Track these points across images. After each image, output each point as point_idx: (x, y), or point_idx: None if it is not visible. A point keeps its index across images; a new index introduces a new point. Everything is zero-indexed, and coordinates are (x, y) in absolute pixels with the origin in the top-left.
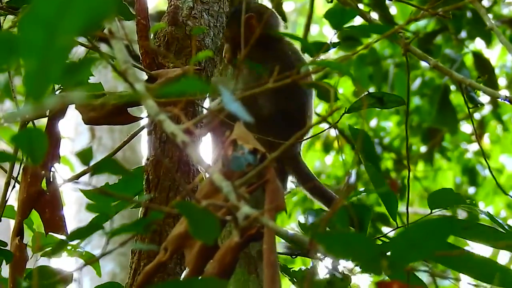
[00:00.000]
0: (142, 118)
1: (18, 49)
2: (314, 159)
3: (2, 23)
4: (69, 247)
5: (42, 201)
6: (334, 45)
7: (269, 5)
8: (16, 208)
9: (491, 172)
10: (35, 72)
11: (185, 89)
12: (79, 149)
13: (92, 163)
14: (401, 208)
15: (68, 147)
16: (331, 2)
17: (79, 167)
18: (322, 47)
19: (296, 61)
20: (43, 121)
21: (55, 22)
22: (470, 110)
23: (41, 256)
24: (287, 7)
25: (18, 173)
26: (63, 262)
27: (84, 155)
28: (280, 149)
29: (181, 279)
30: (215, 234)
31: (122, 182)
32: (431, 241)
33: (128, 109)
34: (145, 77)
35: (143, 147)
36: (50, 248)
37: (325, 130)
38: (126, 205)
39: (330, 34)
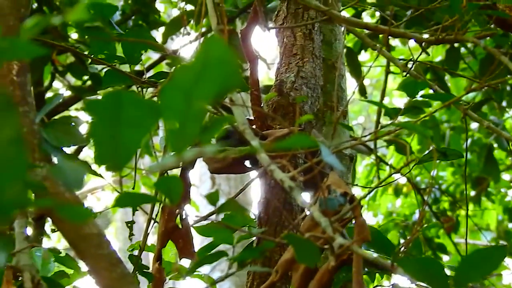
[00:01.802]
0: (256, 168)
1: (160, 113)
2: (387, 201)
3: (144, 94)
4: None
5: (177, 233)
6: (407, 110)
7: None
8: (155, 241)
9: None
10: (176, 131)
11: (294, 145)
12: (205, 193)
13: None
14: (455, 239)
15: (195, 193)
16: (405, 76)
17: (203, 208)
18: (398, 112)
19: None
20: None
21: (191, 90)
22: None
23: (169, 279)
24: (366, 82)
25: (157, 213)
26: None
27: (212, 197)
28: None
29: None
30: (316, 259)
31: (235, 218)
32: (487, 265)
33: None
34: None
35: (252, 192)
36: (178, 272)
37: (397, 179)
38: (246, 236)
39: (397, 105)
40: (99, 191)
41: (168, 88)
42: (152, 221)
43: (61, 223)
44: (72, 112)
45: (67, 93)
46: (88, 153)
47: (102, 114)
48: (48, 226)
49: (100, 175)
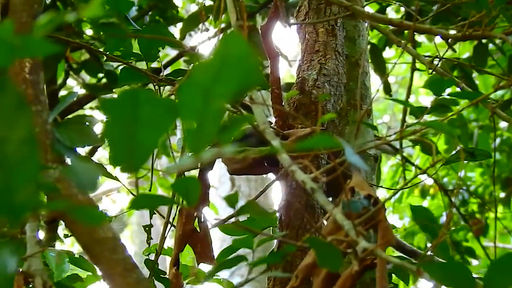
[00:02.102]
0: (277, 169)
1: (178, 112)
2: (413, 203)
3: (161, 92)
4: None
5: (195, 237)
6: (433, 109)
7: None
8: (172, 245)
9: None
10: (194, 131)
11: (316, 145)
12: (224, 195)
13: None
14: (484, 243)
15: (214, 194)
16: (431, 74)
17: (222, 211)
18: (424, 111)
19: None
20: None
21: (210, 88)
22: None
23: (187, 284)
24: (391, 80)
25: (174, 216)
26: None
27: (231, 199)
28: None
29: None
30: (339, 264)
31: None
32: None
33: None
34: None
35: (273, 194)
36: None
37: (424, 180)
38: (266, 240)
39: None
40: (114, 193)
41: (186, 86)
42: (169, 224)
43: (75, 226)
44: (86, 111)
45: (82, 91)
46: (102, 154)
47: (118, 113)
48: (61, 229)
49: (115, 177)
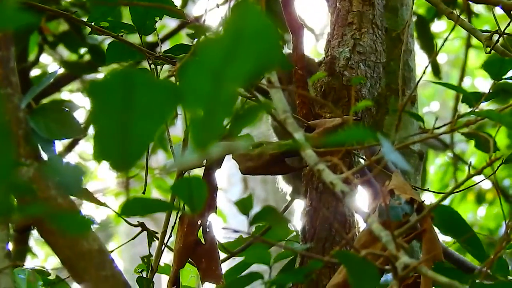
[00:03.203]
0: (299, 168)
1: (181, 98)
2: (467, 211)
3: (159, 73)
4: None
5: (199, 250)
6: (491, 95)
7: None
8: (170, 260)
9: None
10: (201, 121)
11: (348, 138)
12: (235, 200)
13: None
14: None
15: (222, 198)
16: (490, 52)
17: (232, 218)
18: (480, 97)
19: None
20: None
21: (221, 70)
22: None
23: None
24: (441, 59)
25: (174, 224)
26: None
27: (244, 204)
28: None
29: None
30: (375, 283)
31: (273, 230)
32: None
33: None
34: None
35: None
36: None
37: (479, 182)
38: (285, 255)
39: (481, 86)
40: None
41: (191, 66)
42: (167, 235)
43: (53, 237)
44: (63, 93)
45: (60, 71)
46: (84, 147)
47: (108, 99)
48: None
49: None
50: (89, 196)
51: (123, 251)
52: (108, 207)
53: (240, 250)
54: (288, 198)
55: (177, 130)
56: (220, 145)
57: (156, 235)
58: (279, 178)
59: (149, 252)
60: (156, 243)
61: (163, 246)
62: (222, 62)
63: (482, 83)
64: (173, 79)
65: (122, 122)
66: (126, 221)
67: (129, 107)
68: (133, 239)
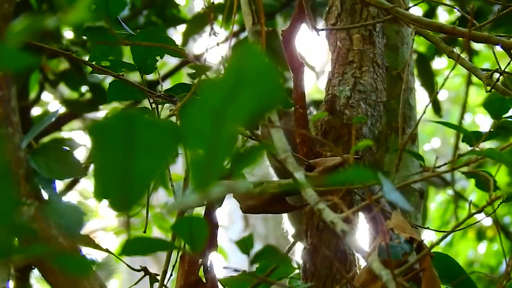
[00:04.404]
0: (301, 207)
1: (181, 138)
2: (467, 248)
3: (160, 111)
4: None
5: None
6: (492, 135)
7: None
8: None
9: None
10: (201, 161)
11: (349, 178)
12: (235, 237)
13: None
14: None
15: (223, 236)
16: (490, 91)
17: (233, 256)
18: (481, 136)
19: None
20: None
21: (222, 110)
22: None
23: None
24: (441, 96)
25: (175, 263)
26: None
27: (245, 244)
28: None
29: None
30: None
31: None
32: None
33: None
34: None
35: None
36: None
37: (480, 220)
38: None
39: (482, 123)
40: (98, 234)
41: (192, 106)
42: (168, 274)
43: (54, 276)
44: (64, 132)
45: (61, 109)
46: (84, 186)
47: (110, 140)
48: (34, 279)
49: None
50: (90, 242)
51: (124, 287)
52: (110, 252)
53: None
54: (291, 238)
55: (177, 167)
56: (221, 185)
57: (157, 277)
58: (285, 218)
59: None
60: (152, 266)
61: (164, 286)
62: (223, 103)
63: (483, 119)
64: (174, 118)
65: (123, 162)
66: (128, 265)
67: (130, 147)
68: (136, 284)
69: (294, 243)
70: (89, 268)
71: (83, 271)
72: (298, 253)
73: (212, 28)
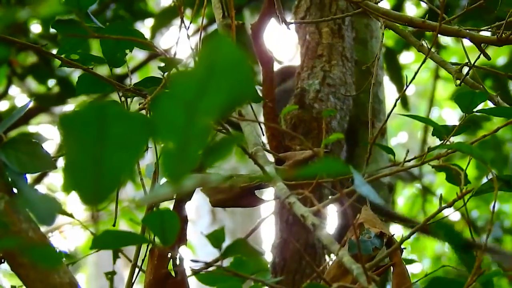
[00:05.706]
0: (270, 200)
1: (153, 131)
2: (435, 243)
3: (129, 105)
4: None
5: (170, 284)
6: (462, 129)
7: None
8: None
9: None
10: (174, 154)
11: (319, 171)
12: (203, 231)
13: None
14: None
15: (191, 230)
16: (460, 85)
17: (200, 249)
18: (451, 130)
19: None
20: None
21: (194, 103)
22: None
23: None
24: (409, 90)
25: (143, 257)
26: None
27: (217, 237)
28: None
29: None
30: None
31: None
32: None
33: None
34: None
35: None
36: None
37: (449, 214)
38: (256, 287)
39: (449, 117)
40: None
41: (164, 99)
42: (137, 268)
43: (24, 270)
44: (31, 126)
45: (31, 103)
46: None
47: (81, 131)
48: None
49: (70, 214)
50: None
51: (91, 281)
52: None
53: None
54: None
55: (146, 162)
56: (193, 178)
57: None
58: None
59: (113, 269)
60: (119, 261)
61: (134, 279)
62: (195, 95)
63: (450, 114)
64: (144, 111)
65: (95, 154)
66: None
67: (102, 139)
68: None
69: (258, 225)
70: (60, 261)
71: (54, 264)
72: (267, 247)
73: (182, 21)
